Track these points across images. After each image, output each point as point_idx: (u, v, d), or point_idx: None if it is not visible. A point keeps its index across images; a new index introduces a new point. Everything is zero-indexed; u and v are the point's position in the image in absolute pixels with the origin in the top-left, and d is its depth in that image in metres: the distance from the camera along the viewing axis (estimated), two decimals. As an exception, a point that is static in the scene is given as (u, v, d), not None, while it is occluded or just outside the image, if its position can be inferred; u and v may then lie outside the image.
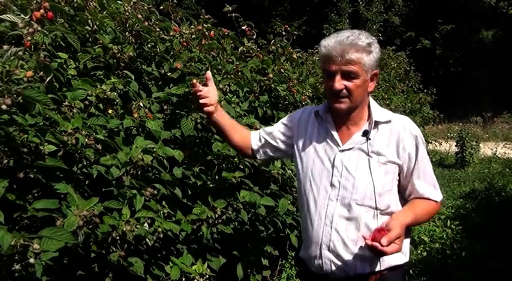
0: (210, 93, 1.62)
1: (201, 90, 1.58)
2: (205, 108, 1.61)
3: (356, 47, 1.37)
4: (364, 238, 1.30)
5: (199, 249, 2.13)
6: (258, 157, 1.75)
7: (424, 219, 1.53)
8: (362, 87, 1.43)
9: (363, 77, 1.41)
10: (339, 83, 1.40)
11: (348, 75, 1.39)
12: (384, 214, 1.43)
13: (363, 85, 1.42)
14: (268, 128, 1.75)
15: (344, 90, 1.41)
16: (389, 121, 1.48)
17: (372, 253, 1.29)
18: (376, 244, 1.25)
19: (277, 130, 1.70)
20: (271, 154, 1.73)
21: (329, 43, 1.40)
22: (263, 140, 1.72)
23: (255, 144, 1.72)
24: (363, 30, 1.45)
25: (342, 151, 1.48)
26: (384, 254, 1.26)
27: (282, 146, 1.69)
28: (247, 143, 1.73)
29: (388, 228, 1.29)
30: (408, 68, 8.00)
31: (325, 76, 1.46)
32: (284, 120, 1.72)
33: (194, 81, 1.61)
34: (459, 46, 18.63)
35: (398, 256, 1.45)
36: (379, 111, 1.50)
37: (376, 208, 1.42)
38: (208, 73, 1.66)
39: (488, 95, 16.96)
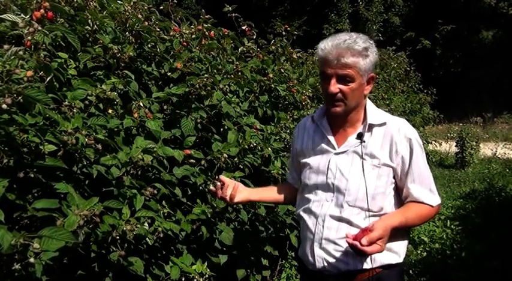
0: (232, 189, 1.64)
1: (222, 194, 1.64)
2: (235, 201, 1.64)
3: (352, 51, 1.38)
4: (347, 236, 1.32)
5: (199, 249, 2.13)
6: None
7: (416, 223, 1.54)
8: (358, 91, 1.44)
9: (359, 80, 1.42)
10: (334, 87, 1.41)
11: (343, 79, 1.41)
12: (376, 216, 1.45)
13: (358, 88, 1.43)
14: (292, 164, 1.77)
15: (339, 94, 1.42)
16: (384, 124, 1.49)
17: (353, 251, 1.33)
18: (356, 242, 1.28)
19: (295, 157, 1.71)
20: None
21: (326, 46, 1.41)
22: (298, 178, 1.73)
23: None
24: (361, 34, 1.45)
25: (337, 153, 1.51)
26: (365, 253, 1.29)
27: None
28: (293, 193, 1.75)
29: (371, 228, 1.31)
30: (408, 68, 8.01)
31: (322, 79, 1.47)
32: (292, 149, 1.76)
33: (212, 187, 1.66)
34: (459, 46, 18.65)
35: (391, 256, 1.48)
36: (374, 114, 1.51)
37: (368, 210, 1.44)
38: (221, 177, 1.68)
39: (488, 95, 16.96)
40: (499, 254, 3.51)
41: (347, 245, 1.41)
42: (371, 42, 1.44)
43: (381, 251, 1.33)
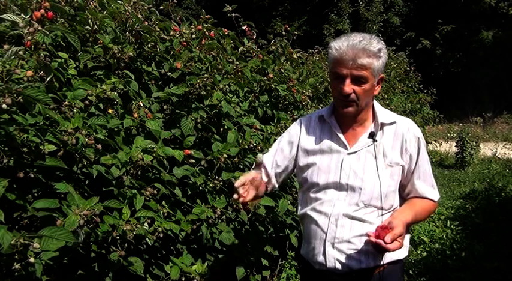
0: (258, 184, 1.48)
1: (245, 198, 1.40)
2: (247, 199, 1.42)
3: (368, 52, 1.38)
4: (368, 235, 1.33)
5: (199, 249, 2.13)
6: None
7: (422, 217, 1.58)
8: (369, 92, 1.45)
9: (371, 81, 1.42)
10: (349, 87, 1.41)
11: (357, 80, 1.40)
12: (387, 213, 1.47)
13: (370, 89, 1.44)
14: (269, 160, 1.67)
15: (352, 95, 1.42)
16: (394, 123, 1.51)
17: (375, 249, 1.34)
18: (380, 241, 1.29)
19: (283, 156, 1.65)
20: (282, 179, 1.71)
21: (341, 46, 1.39)
22: (274, 176, 1.66)
23: (272, 184, 1.67)
24: (373, 35, 1.46)
25: (350, 153, 1.50)
26: (387, 250, 1.30)
27: (291, 167, 1.66)
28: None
29: (392, 226, 1.32)
30: (408, 69, 7.99)
31: (334, 79, 1.45)
32: (284, 142, 1.68)
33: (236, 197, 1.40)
34: (459, 46, 18.63)
35: (400, 251, 1.48)
36: (383, 113, 1.53)
37: (382, 208, 1.46)
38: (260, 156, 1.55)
39: (488, 96, 16.96)
40: (499, 255, 3.51)
41: (360, 243, 1.44)
42: (383, 43, 1.45)
43: (401, 248, 1.34)
